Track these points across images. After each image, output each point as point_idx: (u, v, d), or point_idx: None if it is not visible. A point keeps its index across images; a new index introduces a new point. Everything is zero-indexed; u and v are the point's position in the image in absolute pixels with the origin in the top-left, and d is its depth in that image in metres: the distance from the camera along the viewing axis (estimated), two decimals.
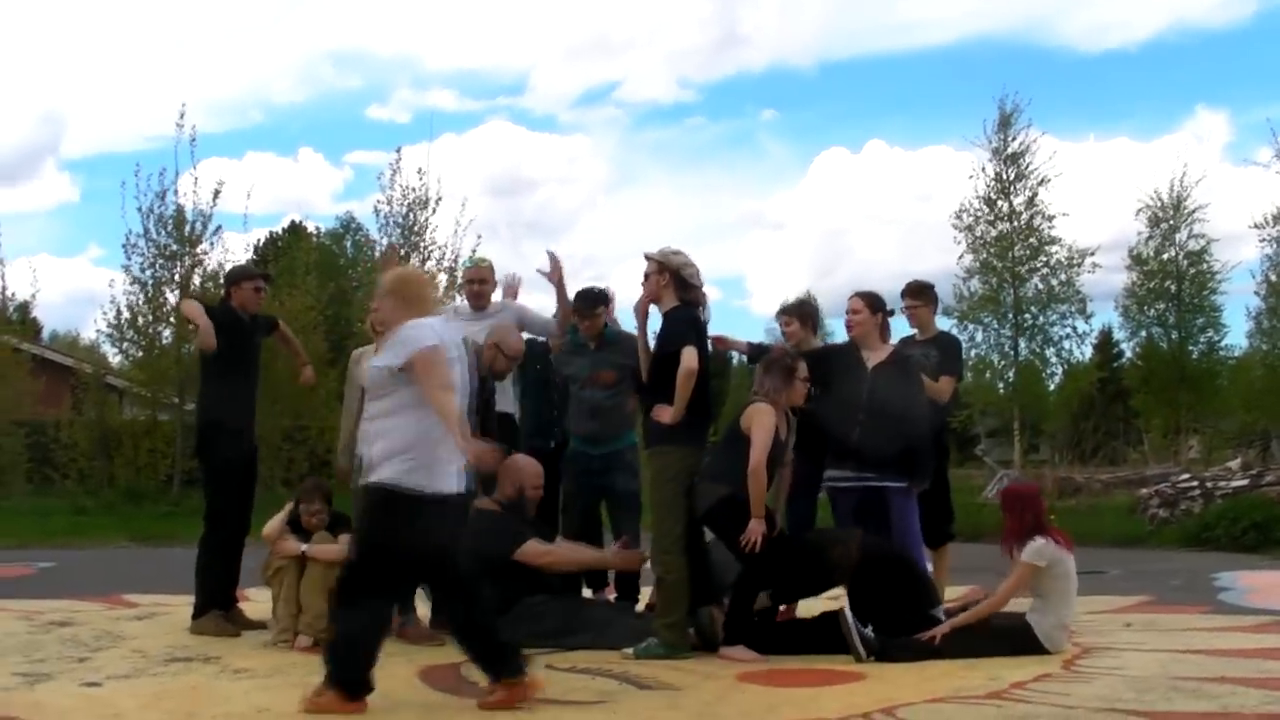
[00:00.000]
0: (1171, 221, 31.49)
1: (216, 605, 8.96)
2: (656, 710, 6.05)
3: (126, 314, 26.88)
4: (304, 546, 8.32)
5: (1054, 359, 30.32)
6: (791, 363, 8.04)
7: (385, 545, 6.10)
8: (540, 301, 10.11)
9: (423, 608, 8.71)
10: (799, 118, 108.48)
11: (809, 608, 8.45)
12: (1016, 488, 8.74)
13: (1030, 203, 29.08)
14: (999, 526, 8.03)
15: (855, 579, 7.85)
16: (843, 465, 8.32)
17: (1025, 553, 7.46)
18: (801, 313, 9.12)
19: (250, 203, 36.77)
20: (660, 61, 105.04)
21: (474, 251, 26.71)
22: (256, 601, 9.40)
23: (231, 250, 27.75)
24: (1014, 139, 29.27)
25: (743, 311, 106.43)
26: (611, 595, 9.21)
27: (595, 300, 9.18)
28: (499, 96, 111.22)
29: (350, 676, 6.07)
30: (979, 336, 29.18)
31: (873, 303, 8.51)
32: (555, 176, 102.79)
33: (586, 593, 9.22)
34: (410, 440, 6.04)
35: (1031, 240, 29.05)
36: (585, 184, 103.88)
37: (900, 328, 9.28)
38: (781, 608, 8.33)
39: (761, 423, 7.74)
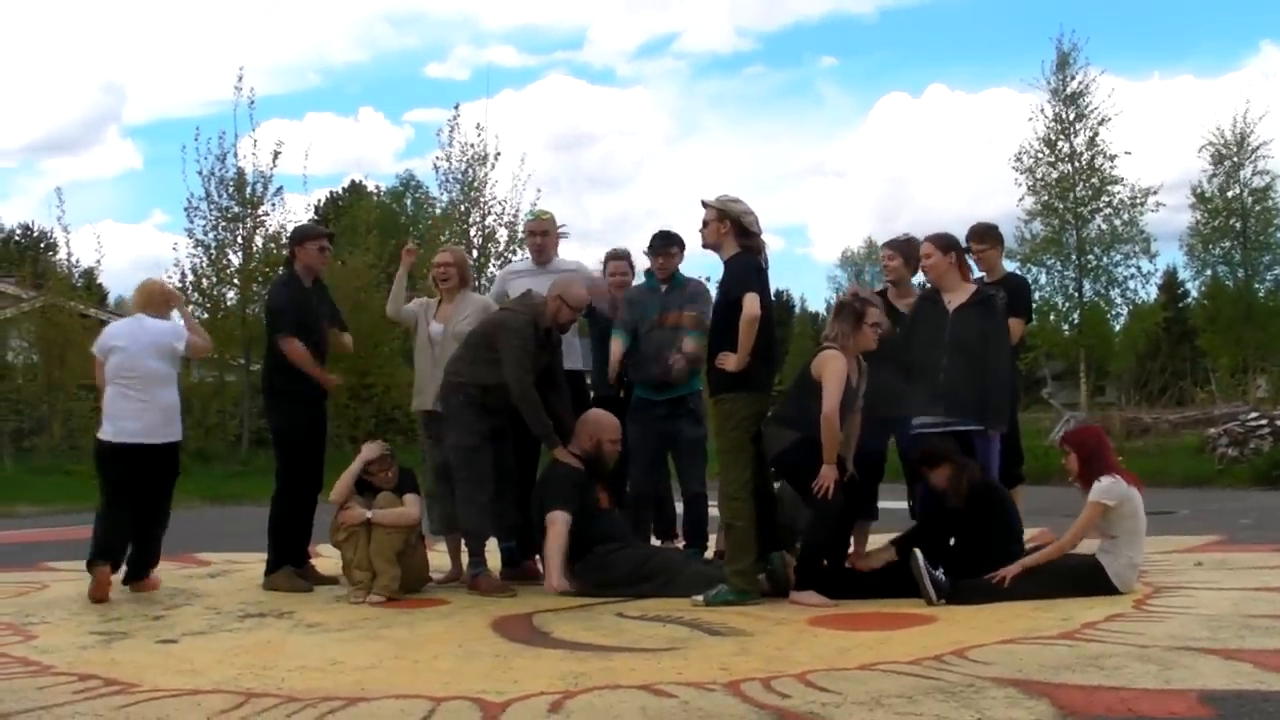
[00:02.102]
0: (1235, 158, 31.19)
1: (289, 561, 9.06)
2: (728, 656, 6.04)
3: (191, 277, 27.11)
4: (368, 514, 8.39)
5: (1119, 300, 30.15)
6: (861, 308, 7.95)
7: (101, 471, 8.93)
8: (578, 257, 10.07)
9: (494, 560, 8.80)
10: (858, 64, 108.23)
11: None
12: (1077, 430, 8.66)
13: (1091, 143, 28.84)
14: (1063, 470, 7.97)
15: (953, 514, 7.82)
16: (931, 410, 8.14)
17: (1093, 492, 7.40)
18: (906, 250, 8.87)
19: (311, 163, 37.13)
20: (718, 11, 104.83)
21: (534, 205, 26.83)
22: (328, 557, 9.48)
23: (292, 211, 27.94)
24: (1072, 79, 29.01)
25: (805, 259, 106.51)
26: (680, 544, 9.23)
27: (670, 240, 9.16)
28: (557, 51, 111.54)
29: (110, 557, 8.65)
30: (1043, 279, 29.04)
31: (944, 244, 8.35)
32: (615, 129, 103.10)
33: (655, 542, 9.24)
34: (105, 404, 8.79)
35: (1093, 180, 28.82)
36: (646, 136, 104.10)
37: None
38: (850, 552, 8.31)
39: (832, 369, 7.69)
